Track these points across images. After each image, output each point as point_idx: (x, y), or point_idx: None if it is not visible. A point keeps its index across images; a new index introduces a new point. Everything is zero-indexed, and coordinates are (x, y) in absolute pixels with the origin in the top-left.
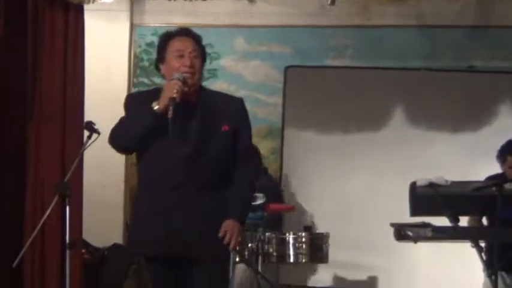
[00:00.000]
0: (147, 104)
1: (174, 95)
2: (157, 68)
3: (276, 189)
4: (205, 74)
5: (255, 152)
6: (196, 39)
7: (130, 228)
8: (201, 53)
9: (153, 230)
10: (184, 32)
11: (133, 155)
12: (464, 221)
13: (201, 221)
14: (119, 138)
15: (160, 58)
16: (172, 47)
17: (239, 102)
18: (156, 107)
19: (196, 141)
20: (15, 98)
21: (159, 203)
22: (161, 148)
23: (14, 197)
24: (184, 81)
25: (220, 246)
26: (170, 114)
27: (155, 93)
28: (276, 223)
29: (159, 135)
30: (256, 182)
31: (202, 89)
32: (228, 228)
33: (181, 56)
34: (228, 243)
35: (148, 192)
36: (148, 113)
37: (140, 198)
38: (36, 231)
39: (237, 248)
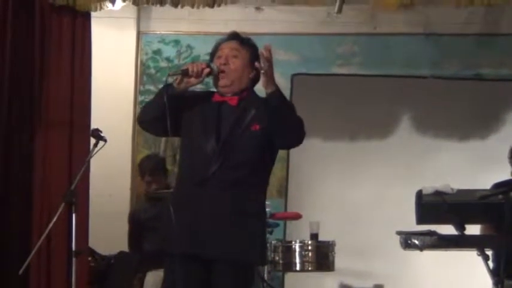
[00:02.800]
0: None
1: (188, 67)
2: None
3: None
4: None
5: None
6: (241, 41)
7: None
8: (245, 55)
9: (176, 227)
10: (229, 36)
11: None
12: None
13: (223, 222)
14: (140, 114)
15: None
16: (216, 55)
17: None
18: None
19: (225, 140)
20: (23, 105)
21: (185, 199)
22: (193, 145)
23: (21, 203)
24: (213, 69)
25: (242, 249)
26: (172, 79)
27: (207, 93)
28: None
29: (193, 134)
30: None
31: (250, 95)
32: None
33: (221, 57)
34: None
35: (178, 188)
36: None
37: (173, 193)
38: (42, 238)
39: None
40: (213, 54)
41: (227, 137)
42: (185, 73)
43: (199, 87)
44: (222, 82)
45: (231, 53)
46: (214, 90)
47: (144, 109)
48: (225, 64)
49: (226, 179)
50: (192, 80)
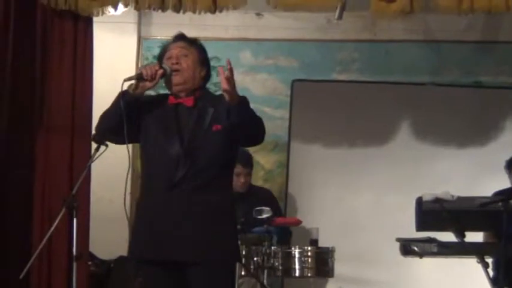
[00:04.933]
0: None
1: (142, 71)
2: None
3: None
4: (212, 87)
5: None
6: (189, 42)
7: (131, 230)
8: (195, 54)
9: (146, 233)
10: (176, 37)
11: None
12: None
13: (195, 224)
14: (97, 123)
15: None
16: (166, 56)
17: None
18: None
19: (188, 142)
20: (24, 109)
21: (154, 205)
22: (156, 150)
23: (22, 208)
24: (166, 70)
25: (216, 250)
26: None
27: (161, 96)
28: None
29: (154, 139)
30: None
31: (204, 94)
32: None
33: (171, 57)
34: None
35: (145, 194)
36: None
37: (139, 200)
38: (43, 242)
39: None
40: (161, 57)
41: (191, 139)
42: (140, 77)
43: None
44: (175, 80)
45: (180, 53)
46: (168, 93)
47: (101, 118)
48: (177, 63)
49: (195, 181)
50: (147, 83)
